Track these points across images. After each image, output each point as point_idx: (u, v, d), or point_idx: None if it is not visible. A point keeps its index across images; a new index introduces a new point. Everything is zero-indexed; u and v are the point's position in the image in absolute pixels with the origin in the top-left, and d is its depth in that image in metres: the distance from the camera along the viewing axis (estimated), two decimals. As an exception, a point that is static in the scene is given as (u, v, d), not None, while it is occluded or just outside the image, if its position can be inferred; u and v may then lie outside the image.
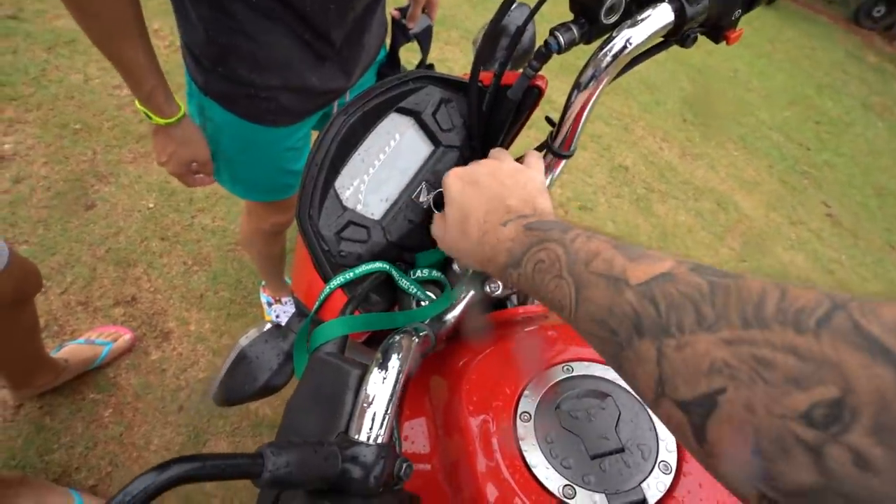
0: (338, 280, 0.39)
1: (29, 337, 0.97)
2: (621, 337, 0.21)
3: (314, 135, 0.91)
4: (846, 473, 0.14)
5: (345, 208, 0.42)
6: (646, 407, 0.36)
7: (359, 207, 0.43)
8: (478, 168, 0.38)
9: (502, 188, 0.34)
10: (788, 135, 3.49)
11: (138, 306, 1.34)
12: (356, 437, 0.29)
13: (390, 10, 0.85)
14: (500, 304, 0.55)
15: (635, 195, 2.35)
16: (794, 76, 4.55)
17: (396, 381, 0.31)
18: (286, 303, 1.36)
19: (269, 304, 1.36)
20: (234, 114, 0.74)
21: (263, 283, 1.38)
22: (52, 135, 1.60)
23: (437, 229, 0.40)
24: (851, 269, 2.51)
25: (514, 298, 0.55)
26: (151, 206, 1.54)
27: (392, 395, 0.30)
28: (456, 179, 0.38)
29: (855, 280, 2.45)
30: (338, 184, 0.43)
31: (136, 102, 0.67)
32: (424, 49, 0.91)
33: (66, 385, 1.14)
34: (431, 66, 0.89)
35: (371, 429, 0.29)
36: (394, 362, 0.31)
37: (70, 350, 1.15)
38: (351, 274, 0.40)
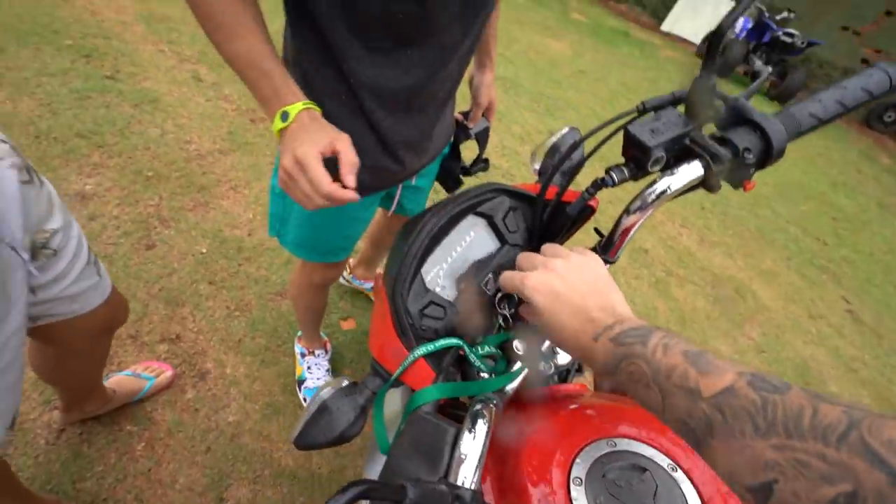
0: (421, 350, 0.48)
1: (99, 365, 1.05)
2: (698, 435, 0.29)
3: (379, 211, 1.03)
4: None
5: (427, 290, 0.52)
6: (678, 483, 0.42)
7: (438, 290, 0.53)
8: (551, 277, 0.42)
9: (582, 300, 0.40)
10: (805, 228, 3.58)
11: (181, 345, 1.42)
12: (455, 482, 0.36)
13: (455, 114, 1.01)
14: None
15: (654, 278, 2.42)
16: (808, 173, 4.71)
17: (485, 442, 0.38)
18: (318, 355, 1.43)
19: (303, 356, 1.43)
20: None
21: (300, 333, 1.45)
22: (128, 179, 1.78)
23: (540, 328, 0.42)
24: (876, 369, 2.47)
25: (556, 377, 0.62)
26: (204, 251, 1.68)
27: (482, 452, 0.37)
28: (538, 295, 0.41)
29: (881, 381, 2.40)
30: (423, 269, 0.52)
31: (272, 125, 0.60)
32: (482, 146, 1.05)
33: (106, 414, 1.21)
34: (487, 161, 1.04)
35: (466, 477, 0.36)
36: (481, 426, 0.39)
37: (118, 381, 1.22)
38: (432, 346, 0.48)
